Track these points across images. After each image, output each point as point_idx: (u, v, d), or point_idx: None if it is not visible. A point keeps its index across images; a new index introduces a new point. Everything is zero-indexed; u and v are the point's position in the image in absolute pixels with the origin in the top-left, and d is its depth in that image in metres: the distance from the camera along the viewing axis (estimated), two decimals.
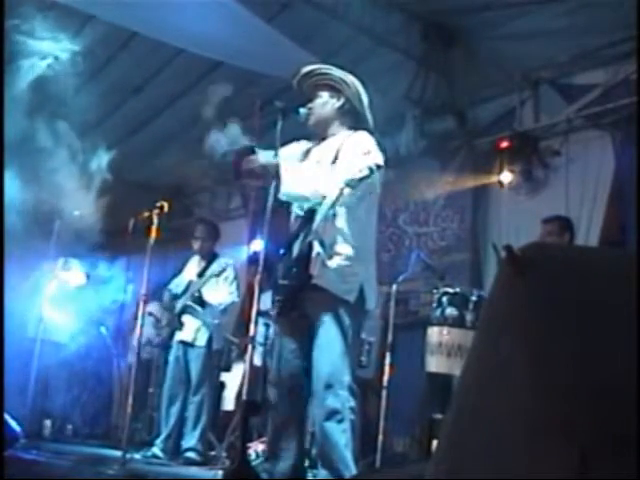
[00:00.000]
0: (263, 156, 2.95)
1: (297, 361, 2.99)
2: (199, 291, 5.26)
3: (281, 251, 3.02)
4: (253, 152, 2.99)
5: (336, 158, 3.02)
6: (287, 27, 5.07)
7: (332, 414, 2.84)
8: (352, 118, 3.16)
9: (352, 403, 2.89)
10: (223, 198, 8.62)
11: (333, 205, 2.84)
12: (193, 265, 5.56)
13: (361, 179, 2.73)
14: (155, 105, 6.58)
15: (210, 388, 5.36)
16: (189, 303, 5.28)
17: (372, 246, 3.13)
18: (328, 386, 2.85)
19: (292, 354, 3.00)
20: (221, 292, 5.31)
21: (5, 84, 4.58)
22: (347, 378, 2.89)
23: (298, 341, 3.00)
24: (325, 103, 3.14)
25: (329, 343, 2.90)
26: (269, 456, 3.01)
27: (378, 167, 2.78)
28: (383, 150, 3.03)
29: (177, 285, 5.50)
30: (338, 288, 2.91)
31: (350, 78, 3.15)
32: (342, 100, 3.14)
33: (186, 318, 5.30)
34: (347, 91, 3.13)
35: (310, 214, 3.00)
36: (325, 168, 3.02)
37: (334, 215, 2.93)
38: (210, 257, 5.47)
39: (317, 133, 3.21)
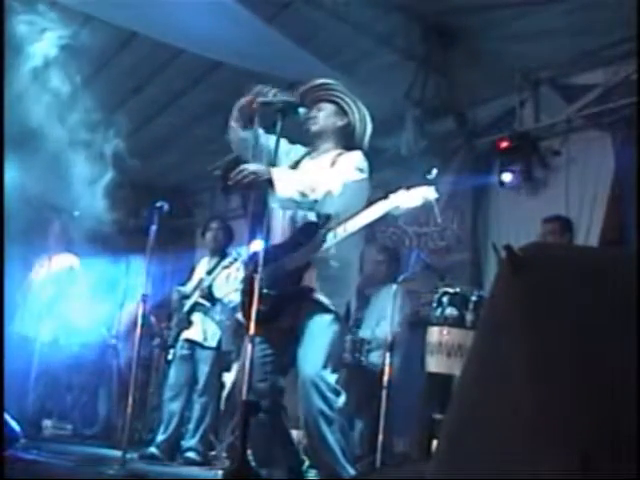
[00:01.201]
0: (253, 165, 2.94)
1: (266, 367, 3.03)
2: (209, 287, 5.22)
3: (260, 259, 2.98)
4: (238, 163, 3.00)
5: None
6: (287, 27, 5.06)
7: (321, 416, 2.89)
8: (349, 140, 3.20)
9: (339, 404, 2.94)
10: (223, 198, 8.61)
11: (353, 234, 2.88)
12: (202, 265, 5.54)
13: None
14: (155, 105, 6.58)
15: (216, 390, 5.34)
16: (199, 300, 5.24)
17: (357, 262, 3.23)
18: (316, 389, 2.90)
19: (262, 359, 3.01)
20: (231, 288, 5.22)
21: (6, 83, 4.58)
22: (333, 380, 2.95)
23: (277, 350, 3.05)
24: (328, 117, 3.18)
25: (317, 348, 2.95)
26: (260, 464, 3.04)
27: (436, 200, 2.87)
28: (371, 172, 3.11)
29: (187, 286, 5.46)
30: (331, 301, 2.98)
31: (360, 104, 3.20)
32: (345, 121, 3.18)
33: (195, 316, 5.24)
34: (354, 115, 3.18)
35: (309, 226, 3.02)
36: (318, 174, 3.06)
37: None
38: (220, 255, 5.43)
39: (313, 142, 3.24)
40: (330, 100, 3.19)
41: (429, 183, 2.90)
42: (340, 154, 3.13)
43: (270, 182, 2.85)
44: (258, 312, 2.86)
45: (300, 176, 3.00)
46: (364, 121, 3.19)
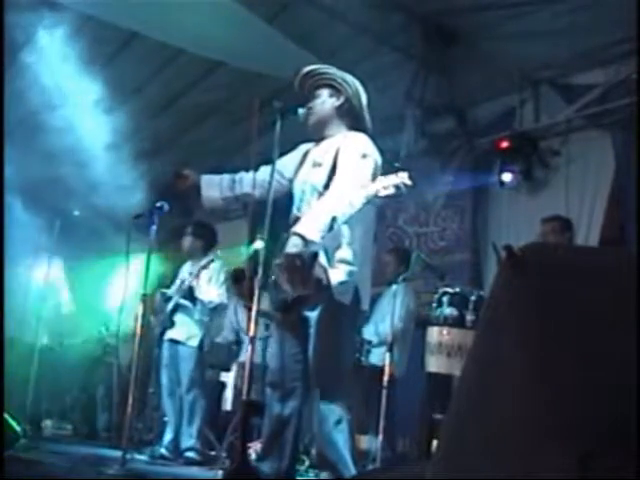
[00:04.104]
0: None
1: (298, 365, 2.98)
2: (189, 287, 5.27)
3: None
4: None
5: (335, 160, 3.00)
6: (287, 27, 5.07)
7: (330, 415, 2.83)
8: (351, 118, 3.14)
9: (349, 403, 2.90)
10: None
11: (346, 220, 2.85)
12: (186, 268, 5.57)
13: (386, 196, 2.77)
14: (155, 105, 6.58)
15: (204, 387, 5.36)
16: (180, 301, 5.29)
17: (370, 248, 3.12)
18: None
19: (293, 357, 2.98)
20: (212, 290, 5.31)
21: (6, 81, 4.58)
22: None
23: (298, 344, 2.98)
24: (324, 102, 3.12)
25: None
26: (262, 456, 3.00)
27: (406, 186, 2.78)
28: (381, 152, 3.04)
29: (171, 289, 5.49)
30: (335, 289, 2.87)
31: (350, 78, 3.15)
32: (341, 99, 3.12)
33: (178, 317, 5.31)
34: (347, 90, 3.12)
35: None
36: (322, 169, 3.03)
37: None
38: (200, 257, 5.43)
39: (316, 133, 3.19)
40: (323, 84, 3.14)
41: (402, 169, 2.88)
42: (343, 139, 3.06)
43: (303, 238, 2.76)
44: (277, 301, 2.86)
45: (317, 213, 2.88)
46: (358, 94, 3.13)
